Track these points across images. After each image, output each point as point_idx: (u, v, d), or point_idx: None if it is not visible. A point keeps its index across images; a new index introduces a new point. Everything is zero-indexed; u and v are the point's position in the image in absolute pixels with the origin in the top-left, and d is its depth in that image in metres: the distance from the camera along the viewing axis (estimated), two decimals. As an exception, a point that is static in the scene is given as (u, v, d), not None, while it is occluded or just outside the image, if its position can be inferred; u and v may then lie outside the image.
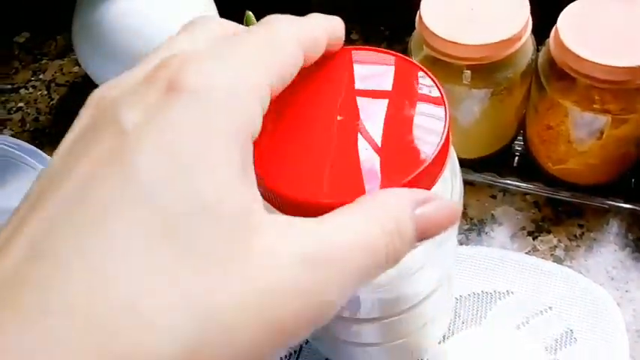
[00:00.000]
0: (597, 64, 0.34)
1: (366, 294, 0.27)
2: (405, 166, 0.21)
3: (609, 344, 0.35)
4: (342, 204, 0.19)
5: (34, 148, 0.45)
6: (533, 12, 0.37)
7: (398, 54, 0.24)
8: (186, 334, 0.14)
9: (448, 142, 0.22)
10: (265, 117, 0.19)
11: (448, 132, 0.22)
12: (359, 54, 0.24)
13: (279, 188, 0.20)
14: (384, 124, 0.22)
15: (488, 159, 0.43)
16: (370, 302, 0.28)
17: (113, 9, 0.45)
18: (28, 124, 0.54)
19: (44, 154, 0.45)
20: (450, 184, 0.26)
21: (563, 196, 0.42)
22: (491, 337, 0.32)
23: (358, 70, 0.24)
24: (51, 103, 0.55)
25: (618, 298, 0.37)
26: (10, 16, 0.62)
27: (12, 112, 0.55)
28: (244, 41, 0.19)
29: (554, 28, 0.36)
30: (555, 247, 0.40)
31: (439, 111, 0.22)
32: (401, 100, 0.23)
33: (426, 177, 0.21)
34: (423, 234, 0.20)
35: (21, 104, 0.55)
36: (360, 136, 0.22)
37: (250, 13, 0.44)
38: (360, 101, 0.23)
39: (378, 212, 0.19)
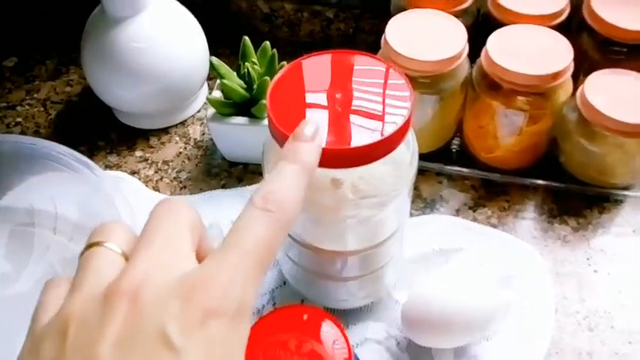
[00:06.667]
0: (517, 72, 0.46)
1: (353, 224, 0.37)
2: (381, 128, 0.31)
3: (536, 281, 0.47)
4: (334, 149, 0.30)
5: (51, 142, 0.48)
6: (469, 39, 0.49)
7: (382, 59, 0.35)
8: None
9: (411, 116, 0.33)
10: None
11: (412, 109, 0.32)
12: (358, 58, 0.35)
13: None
14: (369, 101, 0.33)
15: (436, 152, 0.55)
16: (355, 236, 0.38)
17: (120, 33, 0.53)
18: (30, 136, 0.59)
19: (62, 146, 0.48)
20: (411, 150, 0.37)
21: (493, 177, 0.54)
22: (454, 272, 0.43)
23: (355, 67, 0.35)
24: (49, 117, 0.61)
25: (540, 250, 0.49)
26: (-2, 43, 0.68)
27: (11, 126, 0.60)
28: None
29: (484, 48, 0.49)
30: (490, 216, 0.52)
31: (406, 96, 0.33)
32: (380, 87, 0.34)
33: (395, 138, 0.32)
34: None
35: (19, 119, 0.61)
36: (352, 107, 0.33)
37: (214, 58, 0.52)
38: (355, 87, 0.34)
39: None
